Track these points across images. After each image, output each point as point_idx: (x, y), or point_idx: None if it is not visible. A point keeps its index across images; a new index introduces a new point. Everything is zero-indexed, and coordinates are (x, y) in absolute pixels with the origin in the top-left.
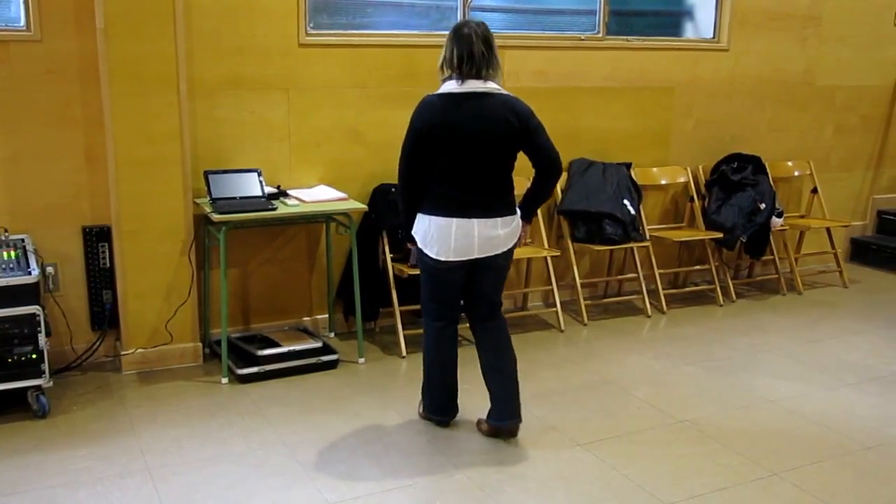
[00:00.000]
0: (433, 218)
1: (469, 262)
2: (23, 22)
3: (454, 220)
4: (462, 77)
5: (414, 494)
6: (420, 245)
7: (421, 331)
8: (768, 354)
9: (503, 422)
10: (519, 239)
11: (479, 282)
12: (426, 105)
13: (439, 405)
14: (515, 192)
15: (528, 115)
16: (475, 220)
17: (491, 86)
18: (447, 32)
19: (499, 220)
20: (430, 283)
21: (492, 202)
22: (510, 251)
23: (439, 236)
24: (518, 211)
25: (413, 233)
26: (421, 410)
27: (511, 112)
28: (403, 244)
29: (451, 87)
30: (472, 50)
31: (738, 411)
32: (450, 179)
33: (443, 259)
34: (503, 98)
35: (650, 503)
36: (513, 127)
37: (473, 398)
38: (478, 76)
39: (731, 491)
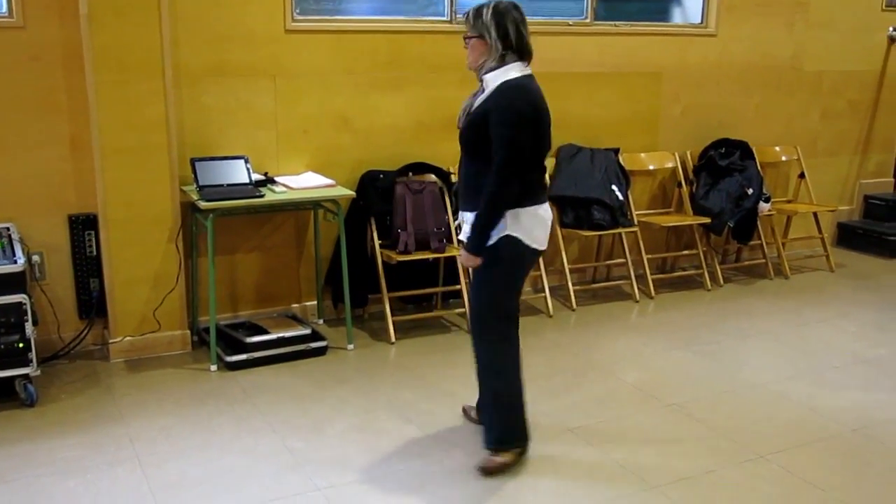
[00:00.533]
0: (534, 207)
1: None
2: (5, 8)
3: (546, 206)
4: (523, 59)
5: (403, 479)
6: (520, 235)
7: (410, 317)
8: (755, 339)
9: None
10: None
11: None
12: (521, 88)
13: (523, 427)
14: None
15: (494, 108)
16: (461, 212)
17: (502, 74)
18: (434, 18)
19: (469, 214)
20: (515, 275)
21: (467, 193)
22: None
23: (541, 224)
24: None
25: (508, 230)
26: (499, 459)
27: (488, 101)
28: (475, 254)
29: (520, 68)
30: (518, 28)
31: (725, 395)
32: (540, 165)
33: (538, 247)
34: (499, 87)
35: (638, 486)
36: (483, 117)
37: (461, 381)
38: (529, 56)
39: (718, 473)
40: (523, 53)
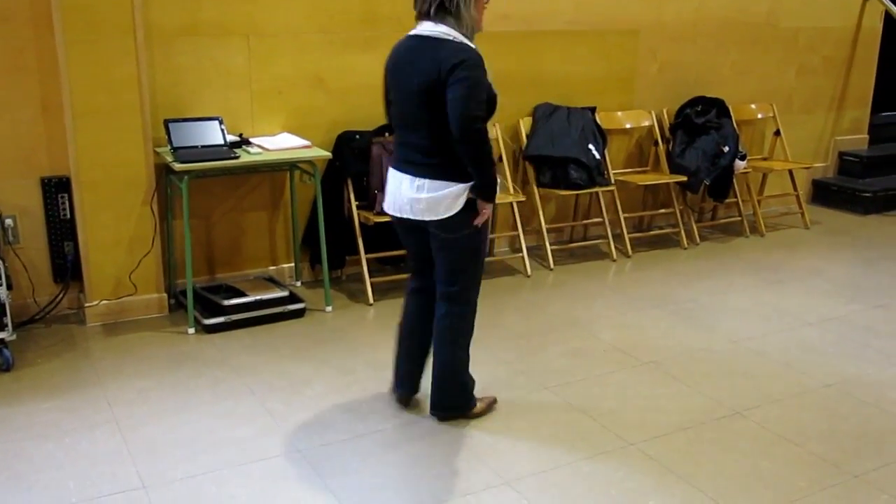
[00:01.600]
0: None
1: (409, 222)
2: None
3: (391, 170)
4: (420, 17)
5: (383, 440)
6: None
7: (388, 278)
8: (731, 296)
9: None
10: (469, 217)
11: (433, 252)
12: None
13: (395, 378)
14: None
15: (455, 65)
16: (403, 175)
17: (441, 29)
18: None
19: (426, 181)
20: (398, 236)
21: (419, 160)
22: (448, 225)
23: (386, 184)
24: (462, 184)
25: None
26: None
27: (442, 60)
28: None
29: (413, 29)
30: None
31: (701, 352)
32: (396, 127)
33: (385, 209)
34: (447, 44)
35: (616, 443)
36: (437, 77)
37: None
38: (426, 16)
39: (695, 430)
40: (422, 14)
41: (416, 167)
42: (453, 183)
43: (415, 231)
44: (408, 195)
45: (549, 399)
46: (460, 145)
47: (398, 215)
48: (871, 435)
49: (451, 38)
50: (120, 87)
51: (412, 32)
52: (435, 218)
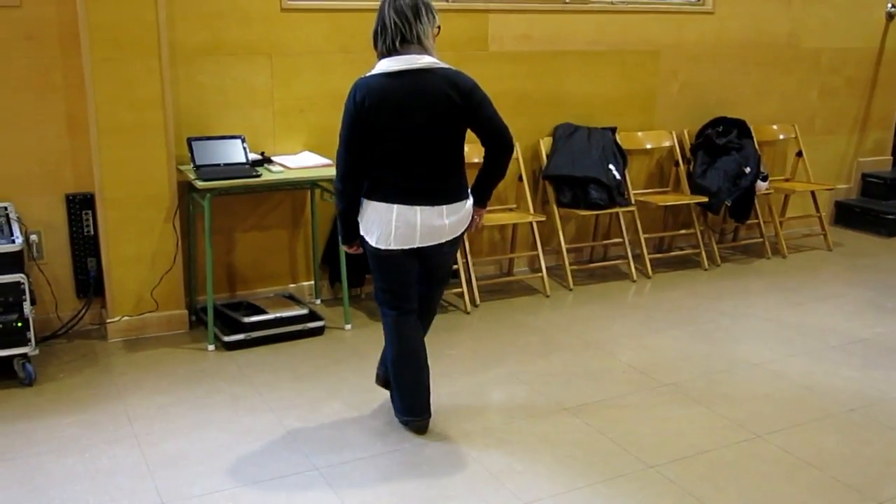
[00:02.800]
0: (375, 204)
1: (412, 250)
2: None
3: (395, 207)
4: (388, 53)
5: (401, 459)
6: (362, 231)
7: None
8: (753, 318)
9: (414, 417)
10: (470, 225)
11: (426, 270)
12: (357, 87)
13: (411, 404)
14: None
15: (472, 89)
16: (417, 208)
17: (427, 60)
18: None
19: (444, 207)
20: (378, 271)
21: (436, 188)
22: (457, 239)
23: (380, 223)
24: (470, 196)
25: (359, 219)
26: (395, 414)
27: (452, 87)
28: (344, 244)
29: (385, 65)
30: (384, 23)
31: (722, 374)
32: (392, 165)
33: (382, 247)
34: (443, 72)
35: (635, 466)
36: (454, 103)
37: (458, 360)
38: (393, 50)
39: (715, 453)
40: (392, 49)
41: (432, 196)
42: (464, 200)
43: (414, 257)
44: (430, 224)
45: (568, 420)
46: (501, 157)
47: (408, 247)
48: (895, 460)
49: (439, 65)
50: (144, 106)
51: (389, 69)
52: (452, 237)
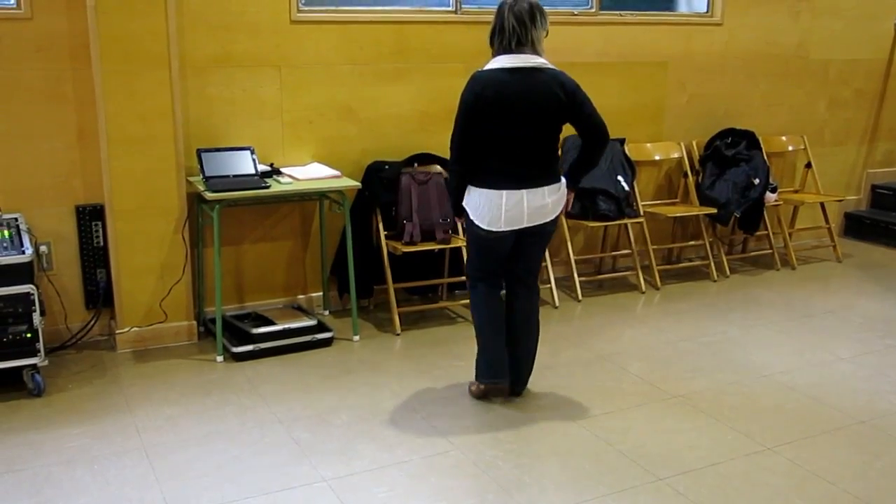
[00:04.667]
0: (484, 190)
1: (518, 230)
2: (13, 0)
3: (504, 192)
4: (504, 51)
5: (409, 471)
6: (472, 216)
7: (415, 308)
8: (762, 329)
9: (500, 379)
10: (565, 206)
11: (524, 249)
12: (476, 80)
13: (497, 368)
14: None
15: (576, 88)
16: (524, 191)
17: (539, 60)
18: (439, 9)
19: (546, 189)
20: (480, 252)
21: (540, 173)
22: (556, 218)
23: (490, 207)
24: (563, 179)
25: (464, 204)
26: (473, 388)
27: (559, 86)
28: (455, 216)
29: (501, 61)
30: (503, 24)
31: (731, 386)
32: (500, 152)
33: (494, 230)
34: (552, 72)
35: (645, 478)
36: (561, 101)
37: (466, 371)
38: (508, 49)
39: (725, 465)
40: (507, 48)
41: (536, 180)
42: (560, 182)
43: (513, 237)
44: (533, 204)
45: (577, 432)
46: (599, 148)
47: (511, 228)
48: None
49: (548, 65)
50: (154, 117)
51: (505, 66)
52: (554, 216)
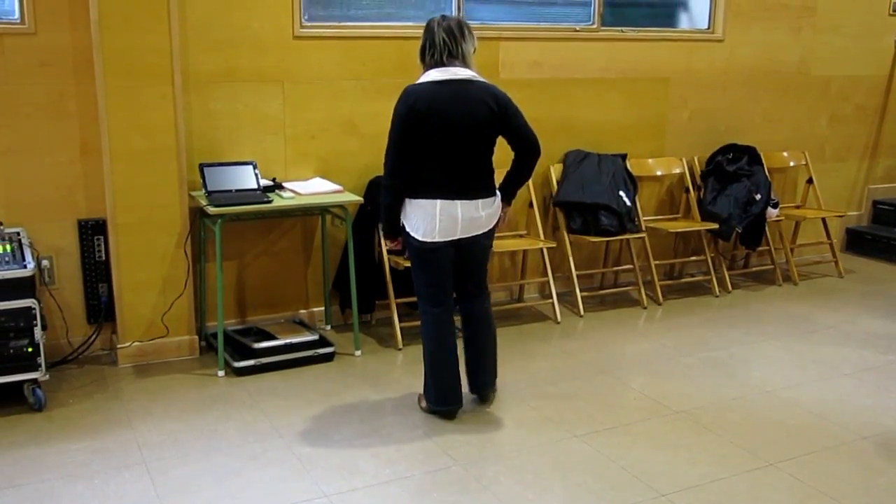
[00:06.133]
0: (419, 201)
1: (453, 242)
2: (17, 14)
3: (438, 202)
4: (435, 65)
5: (411, 486)
6: (408, 229)
7: (418, 322)
8: (764, 345)
9: (478, 389)
10: (499, 220)
11: (463, 263)
12: (409, 93)
13: (447, 394)
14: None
15: (507, 100)
16: (458, 202)
17: (469, 73)
18: None
19: (480, 201)
20: (422, 267)
21: (474, 184)
22: (492, 231)
23: (425, 218)
24: (498, 193)
25: (402, 218)
26: (423, 405)
27: (491, 98)
28: (387, 237)
29: (433, 75)
30: (433, 39)
31: (734, 402)
32: (434, 164)
33: (428, 240)
34: (483, 84)
35: (647, 494)
36: (493, 112)
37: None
38: (440, 63)
39: (727, 481)
40: (438, 62)
41: (473, 192)
42: (494, 196)
43: (451, 250)
44: (469, 216)
45: (579, 447)
46: (531, 161)
47: (450, 239)
48: None
49: (479, 78)
50: (157, 132)
51: (437, 79)
52: (487, 228)
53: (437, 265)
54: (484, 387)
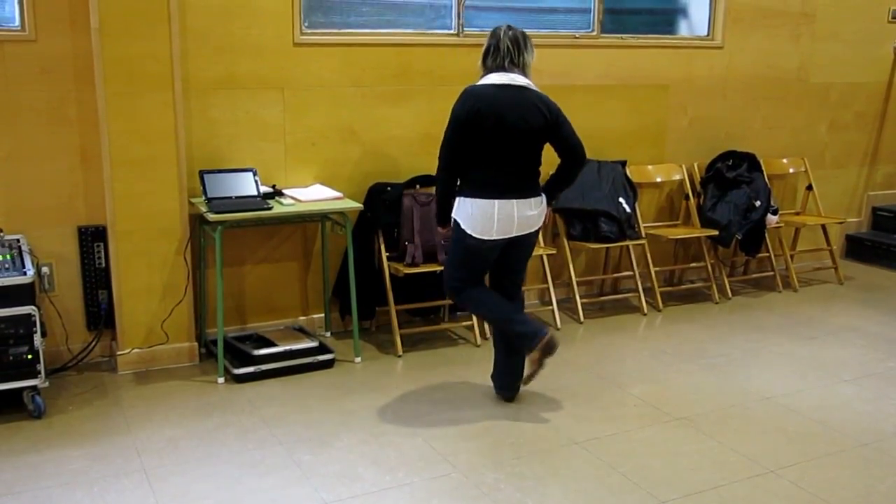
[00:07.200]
0: (476, 200)
1: (507, 239)
2: (17, 21)
3: (496, 202)
4: (496, 69)
5: (410, 493)
6: (463, 226)
7: (417, 329)
8: (764, 352)
9: (507, 392)
10: (545, 218)
11: (510, 261)
12: (469, 93)
13: (533, 328)
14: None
15: (559, 110)
16: (514, 201)
17: (526, 81)
18: (441, 31)
19: (532, 200)
20: (465, 262)
21: (526, 184)
22: (539, 229)
23: (483, 217)
24: (542, 194)
25: (454, 215)
26: (533, 353)
27: (545, 106)
28: (440, 225)
29: (493, 78)
30: (498, 44)
31: (734, 409)
32: (490, 164)
33: (486, 238)
34: (537, 93)
35: (647, 501)
36: (546, 119)
37: (468, 393)
38: (501, 67)
39: (727, 488)
40: (500, 67)
41: (523, 191)
42: (542, 196)
43: (499, 250)
44: (522, 214)
45: (579, 454)
46: (577, 167)
47: (503, 237)
48: None
49: (534, 87)
50: (157, 139)
51: (497, 82)
52: (538, 226)
53: (483, 260)
54: (511, 389)
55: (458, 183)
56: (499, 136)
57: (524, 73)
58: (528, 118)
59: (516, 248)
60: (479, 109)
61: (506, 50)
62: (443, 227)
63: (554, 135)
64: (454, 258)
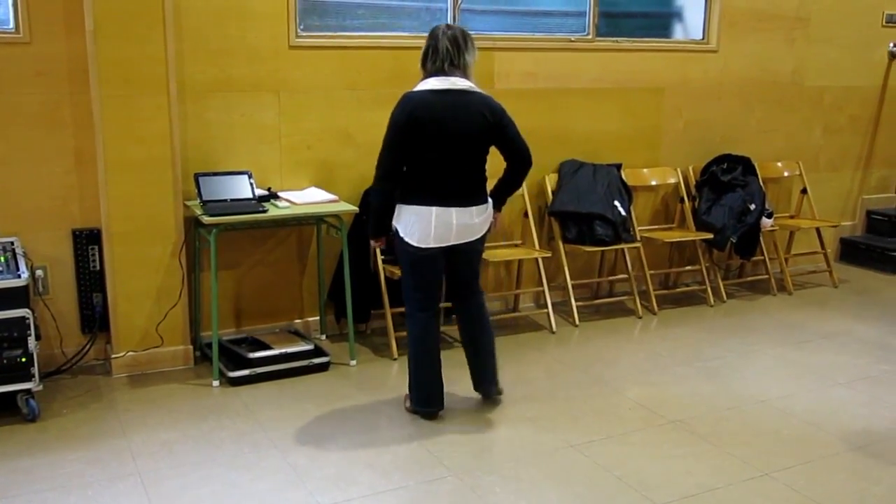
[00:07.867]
0: (415, 207)
1: (447, 248)
2: (11, 24)
3: (434, 209)
4: (435, 73)
5: (406, 497)
6: (402, 234)
7: None
8: (759, 354)
9: (482, 388)
10: (491, 225)
11: (457, 267)
12: (408, 100)
13: (428, 396)
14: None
15: (502, 111)
16: (453, 209)
17: (467, 84)
18: None
19: (474, 208)
20: (413, 272)
21: (467, 192)
22: (484, 237)
23: (420, 224)
24: (489, 200)
25: (395, 223)
26: (408, 405)
27: (487, 108)
28: (371, 237)
29: (432, 83)
30: (436, 46)
31: (729, 411)
32: (429, 171)
33: (423, 246)
34: (479, 95)
35: None
36: (488, 122)
37: (464, 396)
38: (441, 71)
39: (722, 491)
40: (440, 70)
41: (466, 198)
42: (487, 203)
43: (443, 256)
44: (462, 222)
45: (574, 457)
46: (522, 170)
47: (440, 245)
48: None
49: (476, 89)
50: (152, 141)
51: (436, 87)
52: (480, 234)
53: (428, 270)
54: (485, 384)
55: (399, 191)
56: (439, 143)
57: (465, 74)
58: (469, 123)
59: (459, 256)
60: (418, 117)
61: (445, 51)
62: (375, 240)
63: (498, 138)
64: (404, 274)
